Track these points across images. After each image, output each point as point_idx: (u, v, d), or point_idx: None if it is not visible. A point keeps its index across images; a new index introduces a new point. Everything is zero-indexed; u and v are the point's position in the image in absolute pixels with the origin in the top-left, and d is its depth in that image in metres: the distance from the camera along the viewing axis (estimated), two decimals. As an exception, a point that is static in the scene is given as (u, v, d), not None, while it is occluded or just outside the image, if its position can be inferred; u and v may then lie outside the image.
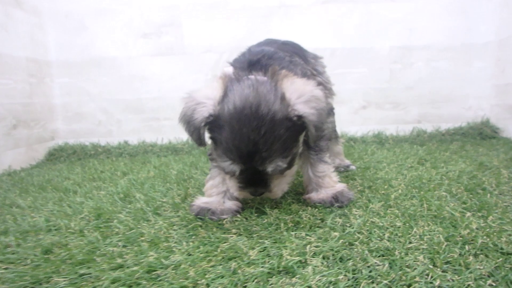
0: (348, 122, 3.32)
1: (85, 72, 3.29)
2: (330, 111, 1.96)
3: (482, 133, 3.13)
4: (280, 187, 1.31)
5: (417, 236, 1.11)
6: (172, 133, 3.30)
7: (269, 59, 1.40)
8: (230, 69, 1.40)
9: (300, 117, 1.20)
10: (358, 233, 1.14)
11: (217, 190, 1.46)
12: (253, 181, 1.27)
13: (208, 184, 1.50)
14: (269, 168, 1.20)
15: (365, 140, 3.18)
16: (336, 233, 1.13)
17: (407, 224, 1.21)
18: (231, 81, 1.26)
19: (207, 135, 1.31)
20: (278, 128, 1.16)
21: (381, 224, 1.21)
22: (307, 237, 1.13)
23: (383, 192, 1.58)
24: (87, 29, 3.25)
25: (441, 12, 3.21)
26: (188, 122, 1.27)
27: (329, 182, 1.50)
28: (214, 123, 1.22)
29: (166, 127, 3.33)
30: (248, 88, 1.20)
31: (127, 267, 0.99)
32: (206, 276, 0.91)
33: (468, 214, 1.28)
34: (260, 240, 1.12)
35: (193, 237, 1.18)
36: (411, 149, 2.69)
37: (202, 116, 1.22)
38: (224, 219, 1.34)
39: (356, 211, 1.35)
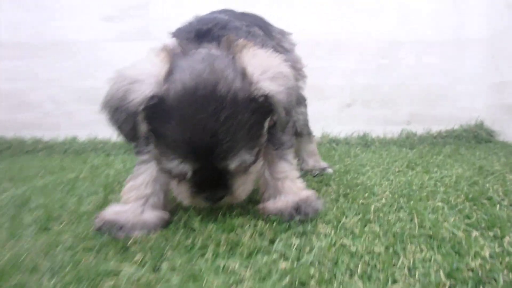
0: (331, 121, 2.96)
1: (37, 55, 2.86)
2: (301, 100, 1.61)
3: (477, 136, 2.81)
4: (244, 187, 1.03)
5: (406, 270, 0.74)
6: (131, 128, 2.89)
7: (222, 29, 1.11)
8: (173, 41, 1.09)
9: (266, 96, 0.93)
10: (318, 263, 0.77)
11: (136, 194, 1.07)
12: (210, 182, 0.97)
13: (128, 186, 1.11)
14: (233, 164, 0.93)
15: (349, 141, 2.81)
16: (284, 264, 0.75)
17: (391, 248, 0.84)
18: (176, 55, 0.96)
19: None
20: (242, 112, 0.91)
21: (354, 249, 0.83)
22: (241, 270, 0.74)
23: (362, 201, 1.22)
24: (43, 8, 2.85)
25: (433, 4, 2.93)
26: (117, 107, 0.89)
27: (290, 187, 1.14)
28: (155, 108, 0.88)
29: (125, 122, 2.92)
30: (200, 62, 0.92)
31: None
32: None
33: (475, 233, 0.92)
34: (166, 276, 0.72)
35: (67, 268, 0.77)
36: (399, 152, 2.35)
37: (142, 96, 0.87)
38: (136, 236, 0.95)
39: (322, 228, 0.98)
